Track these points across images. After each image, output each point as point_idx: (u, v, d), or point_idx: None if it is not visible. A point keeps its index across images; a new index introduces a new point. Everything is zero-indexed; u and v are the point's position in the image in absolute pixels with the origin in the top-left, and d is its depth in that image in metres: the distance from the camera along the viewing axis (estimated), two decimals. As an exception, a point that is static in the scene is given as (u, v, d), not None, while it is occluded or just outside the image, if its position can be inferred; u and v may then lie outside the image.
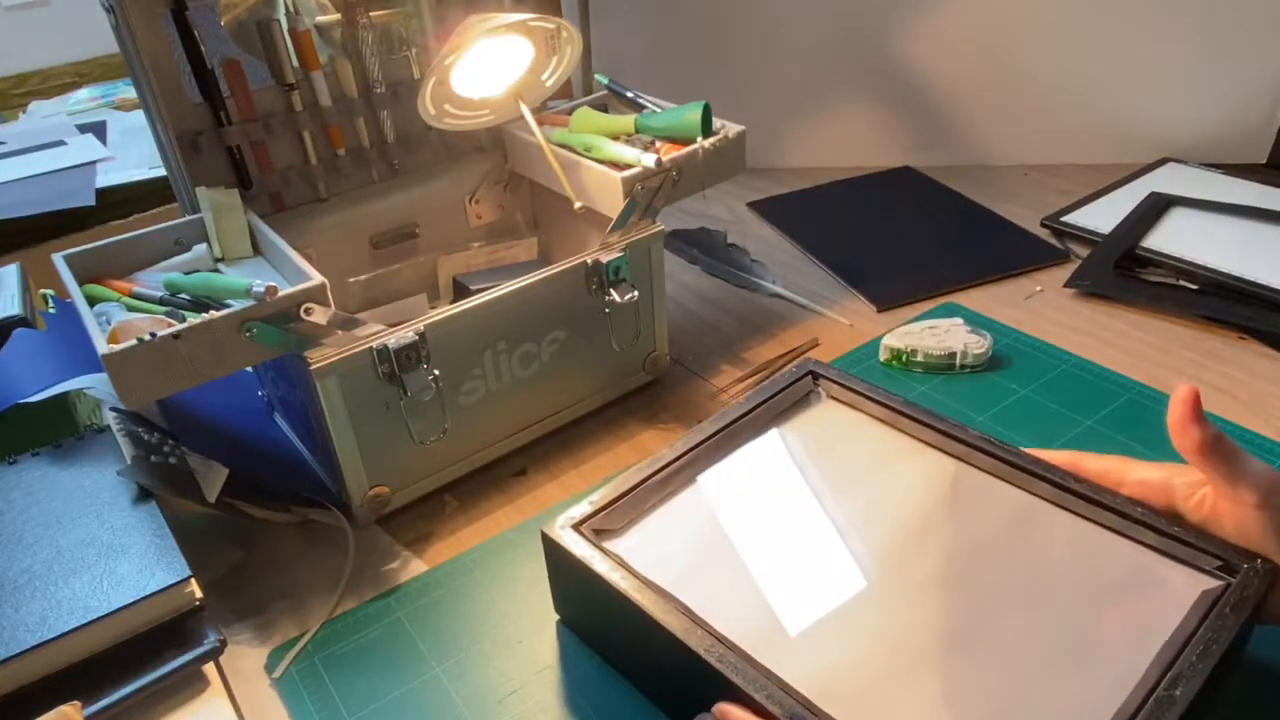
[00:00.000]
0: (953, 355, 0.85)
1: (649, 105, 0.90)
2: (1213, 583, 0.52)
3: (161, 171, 1.03)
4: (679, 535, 0.59)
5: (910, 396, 0.68)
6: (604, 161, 0.80)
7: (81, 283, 0.68)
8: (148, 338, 0.59)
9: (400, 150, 0.86)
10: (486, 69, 0.79)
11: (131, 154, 1.22)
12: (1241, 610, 0.49)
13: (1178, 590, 0.52)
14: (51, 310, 0.77)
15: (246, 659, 0.63)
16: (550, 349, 0.77)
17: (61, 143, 1.28)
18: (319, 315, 0.64)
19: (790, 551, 0.57)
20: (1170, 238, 1.01)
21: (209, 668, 0.61)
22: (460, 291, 0.87)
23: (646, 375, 0.86)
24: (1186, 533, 0.54)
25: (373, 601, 0.67)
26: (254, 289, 0.62)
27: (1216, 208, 1.05)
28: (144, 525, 0.64)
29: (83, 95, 1.55)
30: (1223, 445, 0.51)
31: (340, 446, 0.68)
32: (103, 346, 0.58)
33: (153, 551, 0.61)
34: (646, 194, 0.77)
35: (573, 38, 0.81)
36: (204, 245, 0.73)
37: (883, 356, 0.87)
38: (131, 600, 0.58)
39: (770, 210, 1.20)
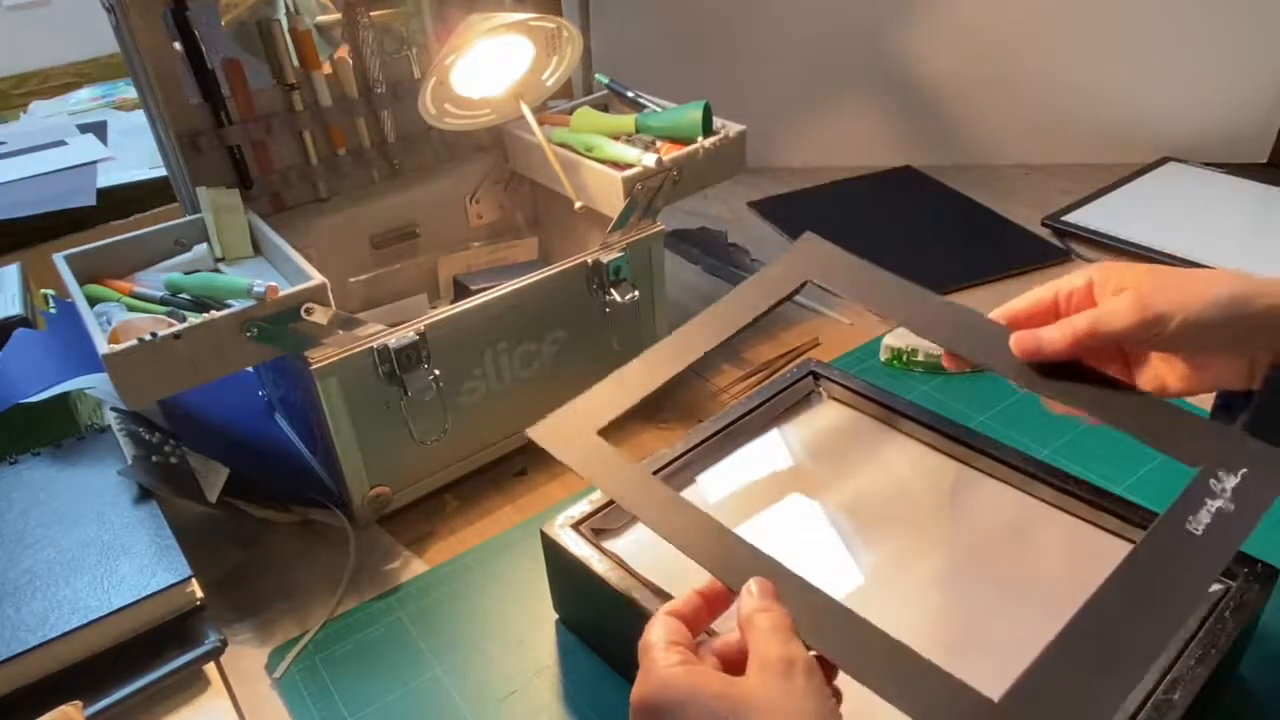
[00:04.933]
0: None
1: (649, 105, 0.90)
2: (1211, 587, 0.52)
3: (162, 171, 1.02)
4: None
5: (911, 396, 0.68)
6: (605, 161, 0.80)
7: (82, 283, 0.68)
8: (148, 338, 0.59)
9: (401, 150, 0.86)
10: (487, 69, 0.79)
11: (132, 154, 1.22)
12: (1240, 615, 0.49)
13: (1177, 592, 0.52)
14: (52, 310, 0.77)
15: (247, 659, 0.64)
16: (551, 349, 0.77)
17: (62, 143, 1.28)
18: (320, 315, 0.64)
19: (789, 552, 0.57)
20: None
21: (210, 668, 0.61)
22: (461, 291, 0.87)
23: (647, 375, 0.85)
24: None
25: (373, 601, 0.67)
26: (255, 289, 0.62)
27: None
28: (145, 525, 0.64)
29: (83, 95, 1.55)
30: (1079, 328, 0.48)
31: (341, 446, 0.68)
32: (104, 346, 0.58)
33: (154, 551, 0.61)
34: (647, 193, 0.77)
35: (573, 37, 0.81)
36: (204, 245, 0.74)
37: (883, 356, 0.87)
38: (132, 600, 0.58)
39: (771, 210, 1.20)
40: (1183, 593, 0.41)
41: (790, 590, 0.43)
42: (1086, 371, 0.51)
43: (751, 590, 0.41)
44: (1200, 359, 0.49)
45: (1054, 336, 0.49)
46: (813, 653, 0.40)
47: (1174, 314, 0.46)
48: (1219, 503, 0.44)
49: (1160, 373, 0.51)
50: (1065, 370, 0.50)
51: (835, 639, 0.41)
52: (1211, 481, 0.45)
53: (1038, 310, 0.52)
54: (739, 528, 0.59)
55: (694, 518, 0.47)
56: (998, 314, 0.53)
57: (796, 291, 0.60)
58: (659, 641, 0.39)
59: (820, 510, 0.60)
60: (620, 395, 0.55)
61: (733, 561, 0.45)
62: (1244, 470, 0.45)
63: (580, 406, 0.54)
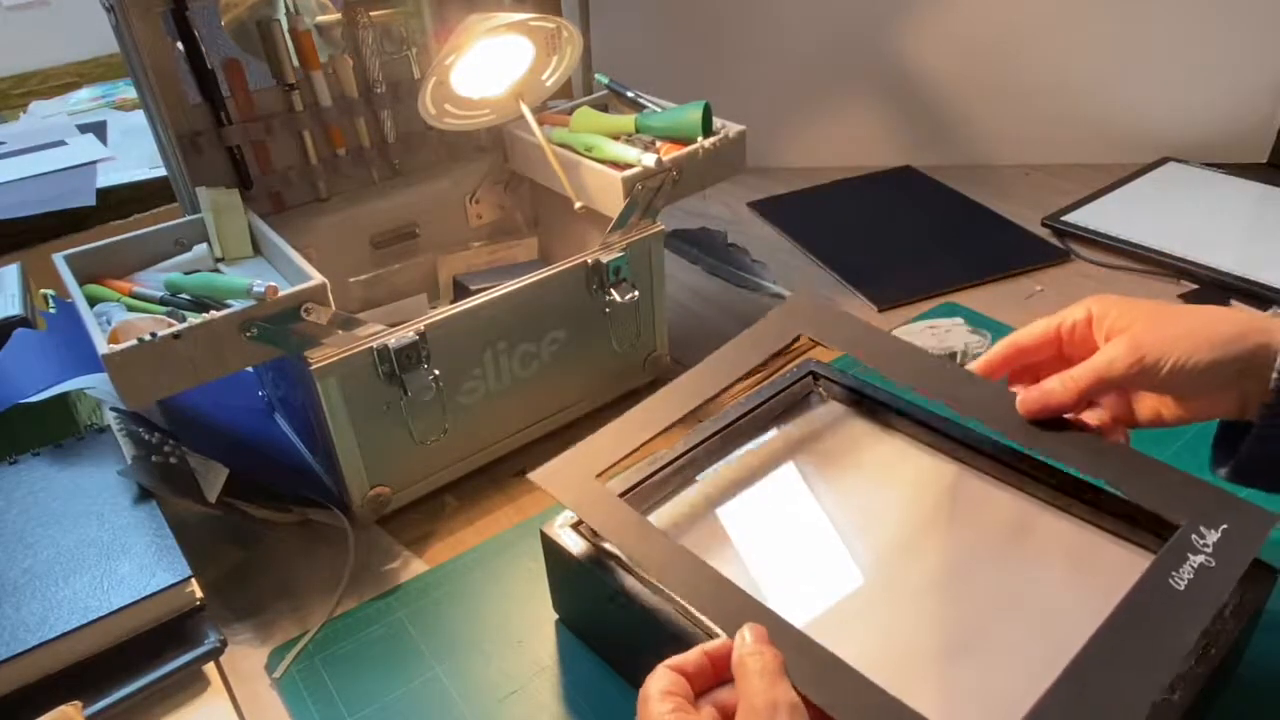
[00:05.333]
0: (953, 355, 0.85)
1: (649, 105, 0.90)
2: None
3: (162, 171, 1.03)
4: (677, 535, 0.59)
5: (910, 396, 0.68)
6: (604, 161, 0.80)
7: (82, 283, 0.68)
8: (148, 338, 0.59)
9: (401, 150, 0.86)
10: (487, 69, 0.79)
11: (132, 154, 1.22)
12: (1240, 615, 0.49)
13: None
14: (52, 310, 0.77)
15: (247, 659, 0.64)
16: (550, 349, 0.77)
17: (62, 143, 1.28)
18: (319, 315, 0.64)
19: (789, 553, 0.57)
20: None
21: (209, 668, 0.61)
22: (460, 291, 0.87)
23: (647, 375, 0.86)
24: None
25: (373, 601, 0.67)
26: (254, 289, 0.62)
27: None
28: (144, 525, 0.64)
29: (83, 95, 1.55)
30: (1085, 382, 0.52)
31: (341, 446, 0.68)
32: (103, 346, 0.58)
33: (153, 551, 0.62)
34: (647, 193, 0.77)
35: (573, 37, 0.81)
36: (204, 245, 0.74)
37: (883, 356, 0.87)
38: (132, 600, 0.58)
39: (771, 210, 1.20)
40: (1165, 650, 0.42)
41: (784, 639, 0.43)
42: (1075, 425, 0.54)
43: (745, 636, 0.42)
44: (1193, 395, 0.52)
45: (1056, 390, 0.53)
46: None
47: (1164, 360, 0.49)
48: (1201, 558, 0.46)
49: (1155, 405, 0.54)
50: (1055, 424, 0.54)
51: (826, 687, 0.42)
52: (1194, 537, 0.46)
53: (1044, 342, 0.55)
54: (737, 528, 0.59)
55: (691, 565, 0.49)
56: (1004, 344, 0.57)
57: (790, 345, 0.64)
58: (655, 693, 0.40)
59: (819, 510, 0.60)
60: (619, 442, 0.58)
61: (729, 608, 0.46)
62: (1225, 526, 0.47)
63: (581, 451, 0.57)
